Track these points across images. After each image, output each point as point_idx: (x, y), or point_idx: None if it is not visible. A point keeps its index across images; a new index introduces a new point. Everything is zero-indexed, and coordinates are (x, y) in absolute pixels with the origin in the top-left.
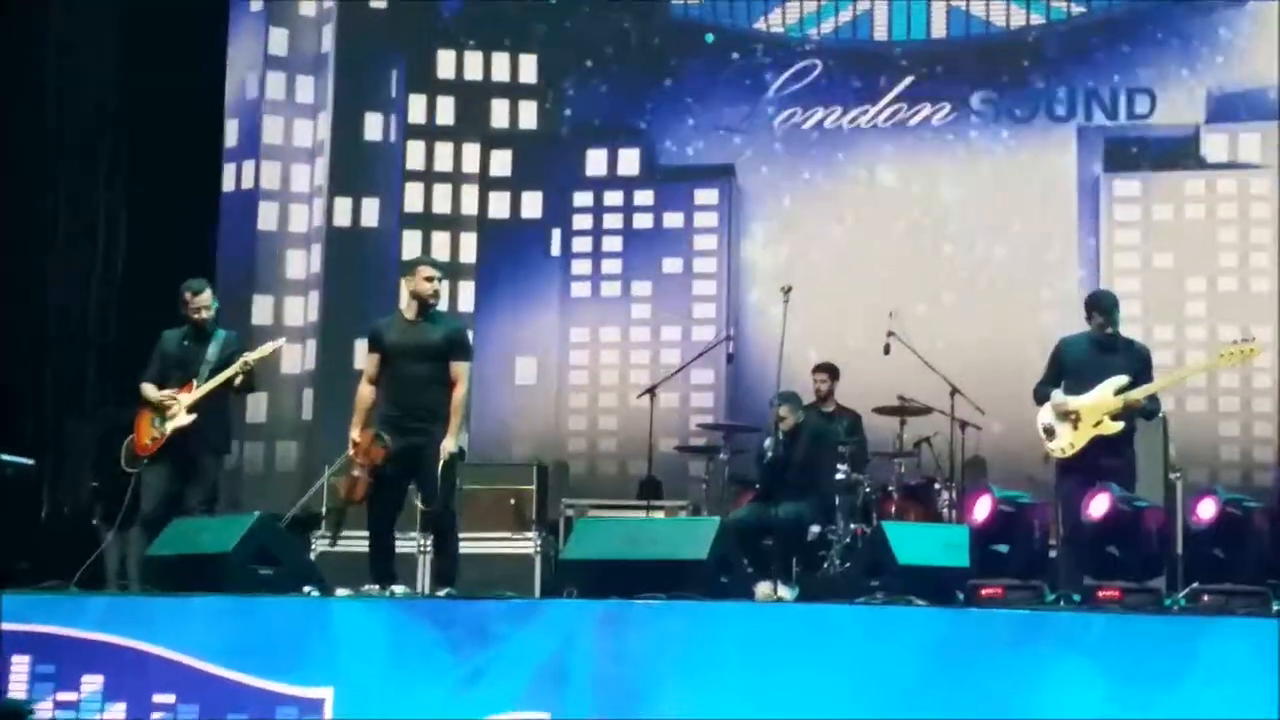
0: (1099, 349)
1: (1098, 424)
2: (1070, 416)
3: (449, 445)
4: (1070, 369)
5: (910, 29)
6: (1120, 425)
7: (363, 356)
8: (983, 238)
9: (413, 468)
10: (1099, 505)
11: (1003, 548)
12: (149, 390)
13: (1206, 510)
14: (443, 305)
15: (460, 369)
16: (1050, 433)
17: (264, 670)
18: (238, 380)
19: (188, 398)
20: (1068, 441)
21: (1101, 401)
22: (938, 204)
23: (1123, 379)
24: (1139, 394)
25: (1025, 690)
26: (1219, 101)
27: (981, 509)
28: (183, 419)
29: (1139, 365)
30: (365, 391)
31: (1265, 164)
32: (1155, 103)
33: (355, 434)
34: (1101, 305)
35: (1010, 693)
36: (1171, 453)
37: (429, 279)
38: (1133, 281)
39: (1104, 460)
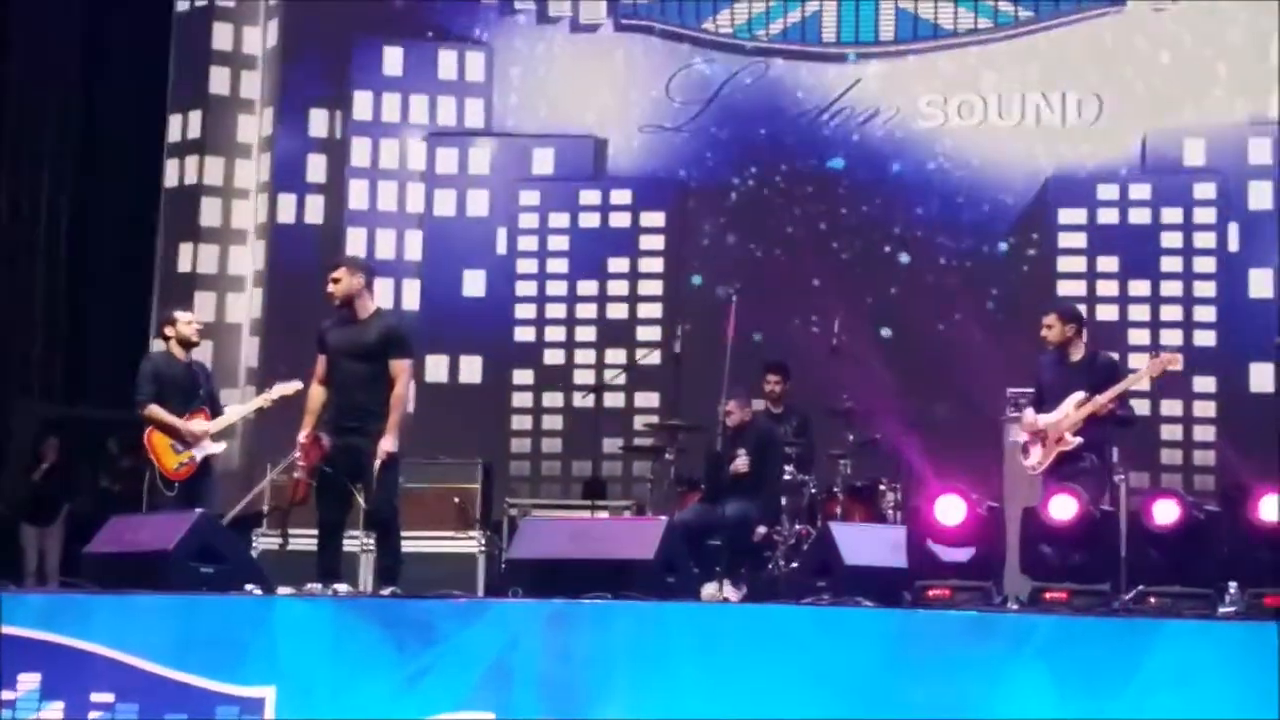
0: (1062, 366)
1: (1059, 440)
2: (1039, 435)
3: (386, 445)
4: (1044, 387)
5: (859, 31)
6: (1077, 440)
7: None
8: (933, 237)
9: (354, 467)
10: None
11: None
12: (164, 415)
13: (1167, 513)
14: (387, 303)
15: (398, 366)
16: (1025, 451)
17: (205, 669)
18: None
19: (210, 426)
20: (1036, 460)
21: (1063, 419)
22: (888, 203)
23: (1080, 395)
24: (1090, 407)
25: (975, 691)
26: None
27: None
28: (214, 447)
29: (1102, 376)
30: (314, 392)
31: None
32: (1103, 108)
33: (301, 435)
34: (1063, 319)
35: (959, 694)
36: (1113, 456)
37: (335, 280)
38: (1078, 285)
39: (1068, 470)
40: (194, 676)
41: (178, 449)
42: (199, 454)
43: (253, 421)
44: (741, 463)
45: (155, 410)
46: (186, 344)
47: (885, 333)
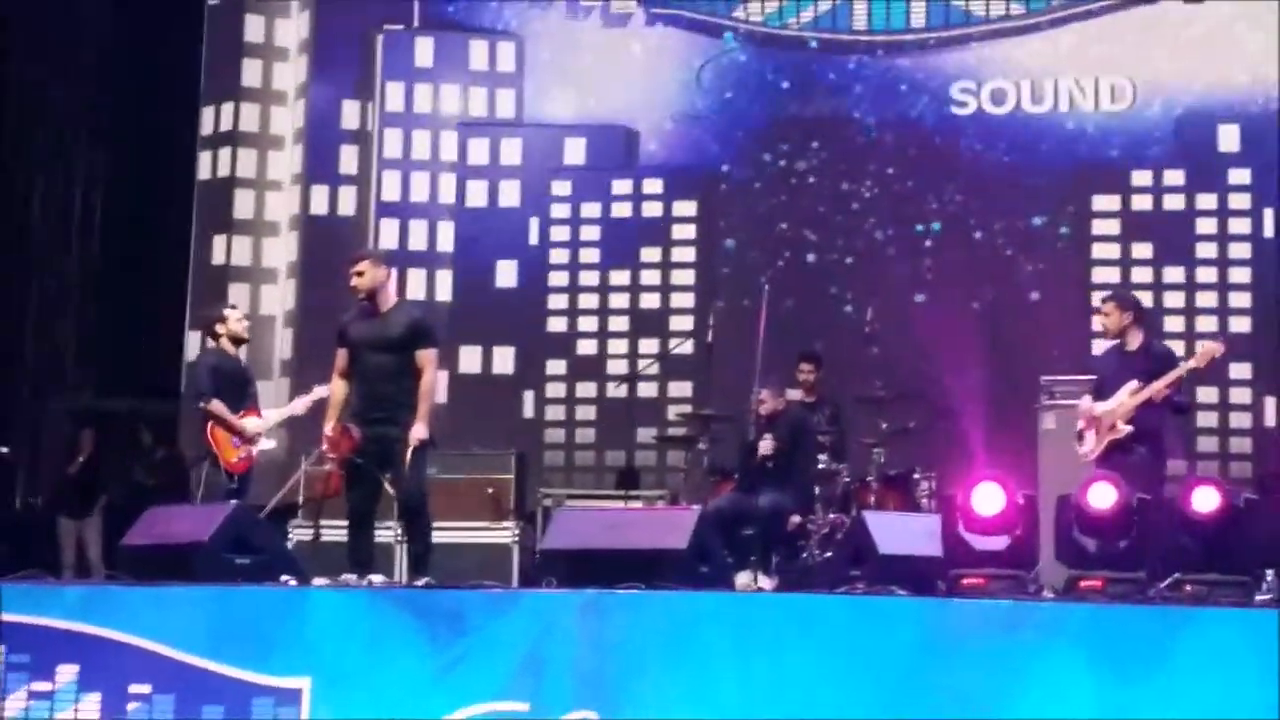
0: (1120, 355)
1: (1112, 428)
2: (1095, 422)
3: (418, 433)
4: (1103, 376)
5: (890, 19)
6: (1128, 429)
7: None
8: (963, 225)
9: (383, 457)
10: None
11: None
12: (225, 412)
13: (1207, 501)
14: (419, 294)
15: (425, 356)
16: (1080, 437)
17: (241, 660)
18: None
19: (262, 424)
20: (1089, 447)
21: (1117, 407)
22: (919, 195)
23: (1134, 384)
24: (1144, 395)
25: (1009, 680)
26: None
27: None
28: (267, 443)
29: (1158, 365)
30: (335, 385)
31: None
32: (1136, 93)
33: (327, 428)
34: (1121, 307)
35: (994, 683)
36: (1170, 443)
37: (359, 274)
38: (1110, 272)
39: (1118, 459)
40: (230, 667)
41: (236, 443)
42: (255, 450)
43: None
44: (766, 445)
45: (218, 406)
46: (238, 340)
47: (919, 307)
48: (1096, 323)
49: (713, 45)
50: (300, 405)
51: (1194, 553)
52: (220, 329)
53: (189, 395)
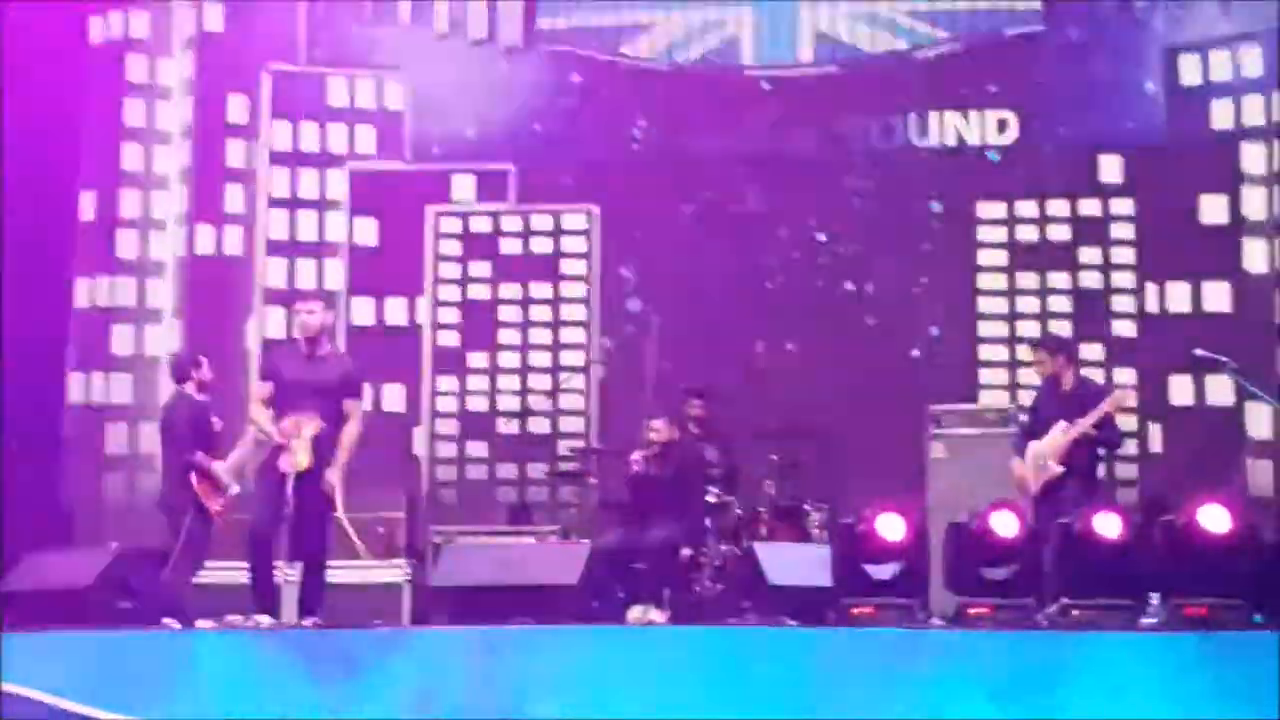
0: (1054, 394)
1: (1044, 467)
2: (1037, 461)
3: (333, 477)
4: (1039, 416)
5: (778, 54)
6: (1058, 469)
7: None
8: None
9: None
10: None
11: None
12: (209, 464)
13: (1110, 526)
14: None
15: (354, 406)
16: (1023, 480)
17: (124, 706)
18: None
19: (228, 468)
20: (1032, 484)
21: (1048, 447)
22: (806, 232)
23: (1064, 424)
24: (1074, 433)
25: (901, 708)
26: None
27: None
28: (236, 487)
29: (1091, 403)
30: (262, 412)
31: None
32: (1021, 125)
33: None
34: (1051, 352)
35: (885, 710)
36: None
37: (310, 312)
38: (1000, 302)
39: (1055, 496)
40: (113, 715)
41: (215, 492)
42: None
43: None
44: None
45: (202, 459)
46: (207, 388)
47: (807, 342)
48: (1032, 370)
49: (602, 81)
50: (249, 441)
51: (1098, 578)
52: (196, 375)
53: (166, 444)
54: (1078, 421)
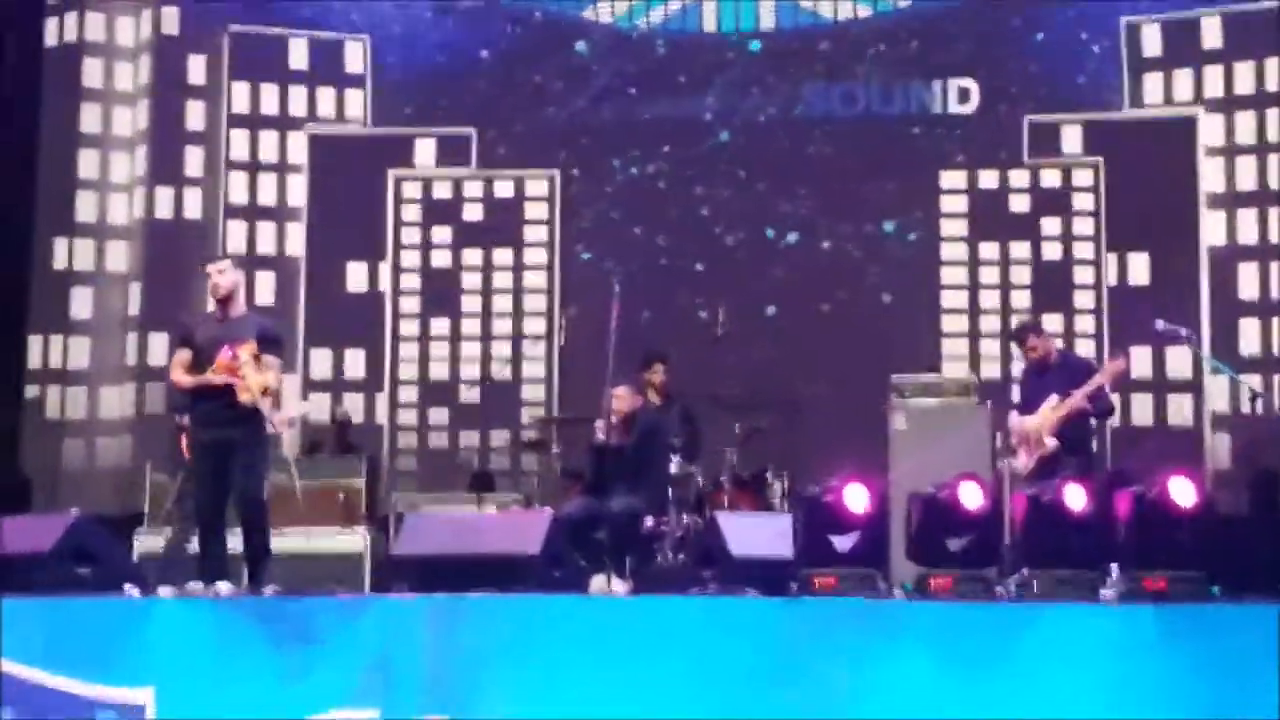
0: (1037, 373)
1: (1038, 443)
2: (1025, 439)
3: (290, 412)
4: (1025, 397)
5: (740, 20)
6: (1053, 443)
7: None
8: (814, 229)
9: (226, 461)
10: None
11: None
12: None
13: (1076, 499)
14: (269, 299)
15: (271, 363)
16: (1014, 453)
17: (82, 672)
18: None
19: None
20: (1022, 463)
21: (1042, 422)
22: (771, 188)
23: (1054, 398)
24: (1064, 409)
25: (860, 678)
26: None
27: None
28: None
29: (1077, 376)
30: (185, 379)
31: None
32: (983, 93)
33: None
34: (1017, 336)
35: (845, 680)
36: (1000, 441)
37: (220, 272)
38: (959, 272)
39: (1050, 472)
40: (71, 680)
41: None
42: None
43: (133, 420)
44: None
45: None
46: None
47: (770, 310)
48: (1024, 355)
49: (563, 47)
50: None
51: (1064, 550)
52: None
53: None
54: (1071, 394)
